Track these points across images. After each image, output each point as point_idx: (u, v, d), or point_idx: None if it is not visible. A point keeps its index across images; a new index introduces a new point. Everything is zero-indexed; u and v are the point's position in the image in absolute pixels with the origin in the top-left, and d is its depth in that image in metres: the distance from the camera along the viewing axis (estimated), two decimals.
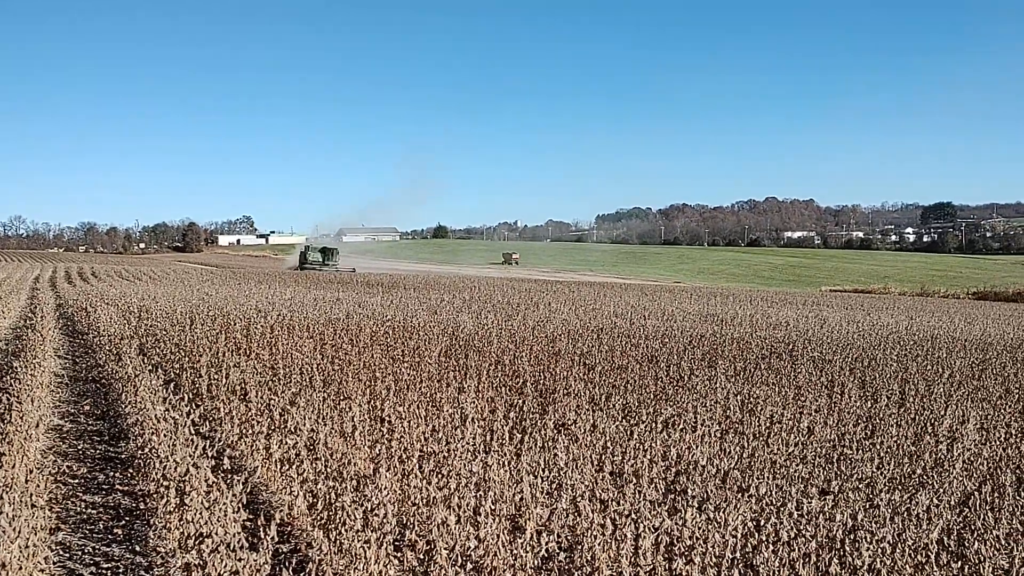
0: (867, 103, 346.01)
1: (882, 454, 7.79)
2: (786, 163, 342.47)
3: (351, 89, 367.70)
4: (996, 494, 6.65)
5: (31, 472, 5.68)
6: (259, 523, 4.65)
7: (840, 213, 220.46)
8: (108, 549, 5.58)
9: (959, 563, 5.07)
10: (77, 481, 7.06)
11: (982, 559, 5.06)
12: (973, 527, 5.91)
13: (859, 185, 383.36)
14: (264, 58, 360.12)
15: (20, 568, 4.50)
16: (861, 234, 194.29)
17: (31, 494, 5.21)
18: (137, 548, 5.62)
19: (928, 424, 9.17)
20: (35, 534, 4.89)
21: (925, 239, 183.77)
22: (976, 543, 5.40)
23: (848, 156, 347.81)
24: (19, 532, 4.53)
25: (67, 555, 5.43)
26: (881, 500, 6.36)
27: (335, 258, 74.96)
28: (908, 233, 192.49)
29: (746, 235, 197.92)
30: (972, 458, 7.81)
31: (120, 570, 5.25)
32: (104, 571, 5.22)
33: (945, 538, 5.71)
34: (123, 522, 6.12)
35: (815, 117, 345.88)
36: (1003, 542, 5.59)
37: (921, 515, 6.00)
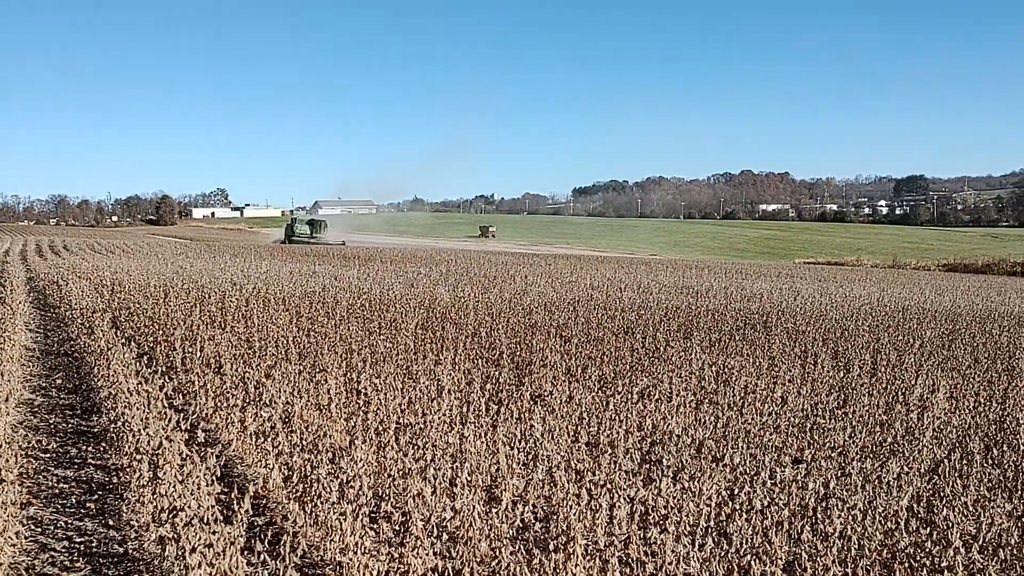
0: (841, 77, 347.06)
1: (854, 423, 7.89)
2: (761, 136, 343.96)
3: (326, 60, 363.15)
4: (965, 461, 6.76)
5: (0, 447, 5.60)
6: (233, 496, 4.62)
7: (814, 186, 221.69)
8: (81, 523, 5.53)
9: (928, 529, 5.15)
10: (48, 455, 6.98)
11: (951, 525, 5.14)
12: (942, 494, 6.02)
13: (833, 158, 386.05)
14: (238, 28, 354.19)
15: None
16: (835, 207, 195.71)
17: (0, 468, 5.14)
18: (110, 522, 5.58)
19: (899, 393, 9.30)
20: (5, 509, 4.84)
21: (897, 212, 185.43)
22: (945, 509, 5.50)
23: (823, 129, 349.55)
24: None
25: (39, 530, 5.38)
26: (853, 468, 6.45)
27: (323, 230, 72.99)
28: (881, 206, 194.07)
29: (721, 208, 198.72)
30: (942, 426, 7.93)
31: (93, 544, 5.21)
32: (77, 545, 5.18)
33: (915, 505, 5.81)
34: (96, 496, 6.06)
35: (789, 91, 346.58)
36: (971, 508, 5.69)
37: (892, 483, 6.09)
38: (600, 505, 5.19)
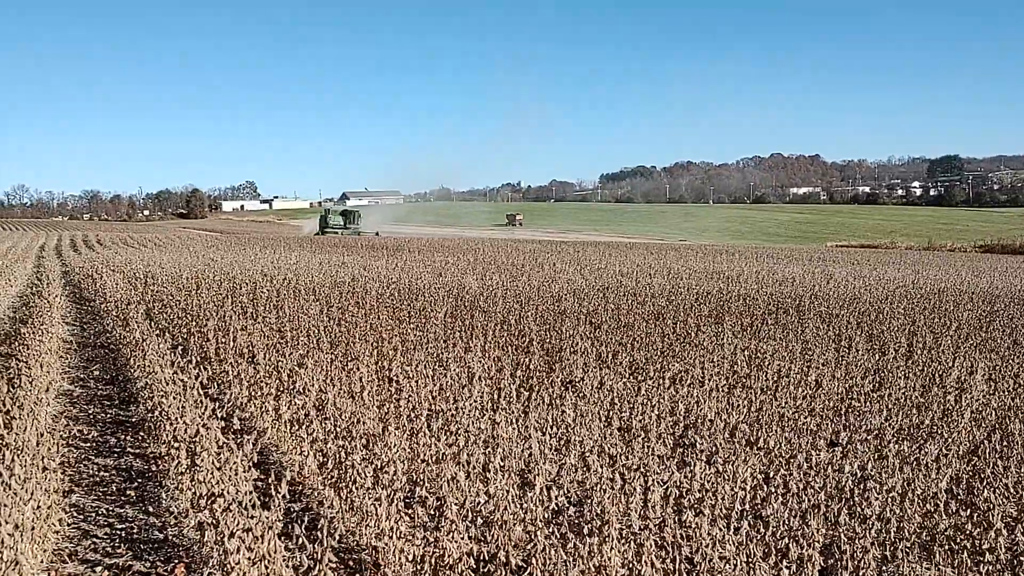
0: (872, 56, 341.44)
1: (890, 406, 7.79)
2: (791, 118, 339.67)
3: (351, 53, 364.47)
4: (1005, 443, 6.65)
5: (42, 436, 5.70)
6: (270, 482, 4.66)
7: (846, 168, 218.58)
8: (121, 510, 5.63)
9: (968, 511, 5.08)
10: (89, 444, 7.11)
11: (991, 506, 5.06)
12: (982, 475, 5.93)
13: (865, 139, 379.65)
14: (264, 20, 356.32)
15: (35, 529, 4.53)
16: (867, 189, 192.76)
17: (43, 457, 5.24)
18: (150, 509, 5.67)
19: (936, 375, 9.17)
20: (48, 496, 4.93)
21: (932, 193, 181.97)
22: (985, 491, 5.41)
23: (854, 110, 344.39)
24: (32, 494, 4.55)
25: (81, 517, 5.48)
26: (890, 451, 6.37)
27: (357, 221, 72.43)
28: (915, 187, 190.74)
29: (751, 192, 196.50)
30: (980, 408, 7.81)
31: (134, 531, 5.30)
32: (118, 532, 5.27)
33: (954, 487, 5.73)
34: (135, 484, 6.17)
35: (819, 71, 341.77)
36: (1012, 490, 5.59)
37: (930, 464, 6.01)
38: (634, 489, 5.18)
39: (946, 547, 4.82)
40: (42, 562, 4.68)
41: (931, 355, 10.42)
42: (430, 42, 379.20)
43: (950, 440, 6.72)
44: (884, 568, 4.67)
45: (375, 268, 23.98)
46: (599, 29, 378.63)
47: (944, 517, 5.04)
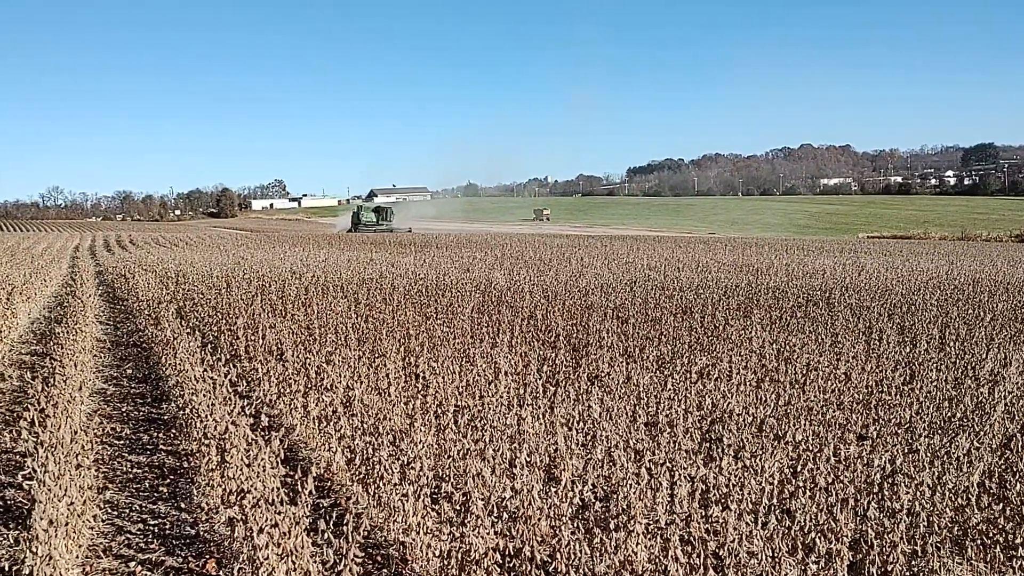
0: (903, 42, 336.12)
1: (921, 399, 7.69)
2: (821, 108, 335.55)
3: (379, 51, 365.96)
4: None
5: (76, 433, 5.81)
6: (298, 478, 4.72)
7: (878, 158, 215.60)
8: (154, 507, 5.73)
9: (1000, 505, 5.00)
10: (122, 442, 7.23)
11: None
12: (1015, 469, 5.83)
13: (897, 129, 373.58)
14: (289, 21, 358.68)
15: (68, 525, 4.62)
16: (900, 179, 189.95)
17: (77, 454, 5.33)
18: (182, 505, 5.76)
19: (969, 368, 9.03)
20: (83, 493, 5.02)
21: (966, 182, 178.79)
22: (1018, 484, 5.33)
23: (885, 99, 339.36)
24: (66, 491, 4.64)
25: (115, 513, 5.58)
26: (920, 444, 6.29)
27: (390, 218, 72.19)
28: (948, 176, 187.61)
29: (781, 184, 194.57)
30: (1014, 400, 7.68)
31: (166, 526, 5.38)
32: (151, 528, 5.36)
33: (987, 481, 5.64)
34: (167, 480, 6.26)
35: (849, 59, 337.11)
36: None
37: (961, 458, 5.92)
38: (660, 484, 5.17)
39: (978, 542, 4.76)
40: (77, 557, 4.78)
41: (964, 347, 10.26)
42: (459, 39, 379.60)
43: (983, 433, 6.62)
44: (914, 563, 4.62)
45: (403, 264, 24.10)
46: (627, 20, 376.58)
47: (976, 511, 4.97)
